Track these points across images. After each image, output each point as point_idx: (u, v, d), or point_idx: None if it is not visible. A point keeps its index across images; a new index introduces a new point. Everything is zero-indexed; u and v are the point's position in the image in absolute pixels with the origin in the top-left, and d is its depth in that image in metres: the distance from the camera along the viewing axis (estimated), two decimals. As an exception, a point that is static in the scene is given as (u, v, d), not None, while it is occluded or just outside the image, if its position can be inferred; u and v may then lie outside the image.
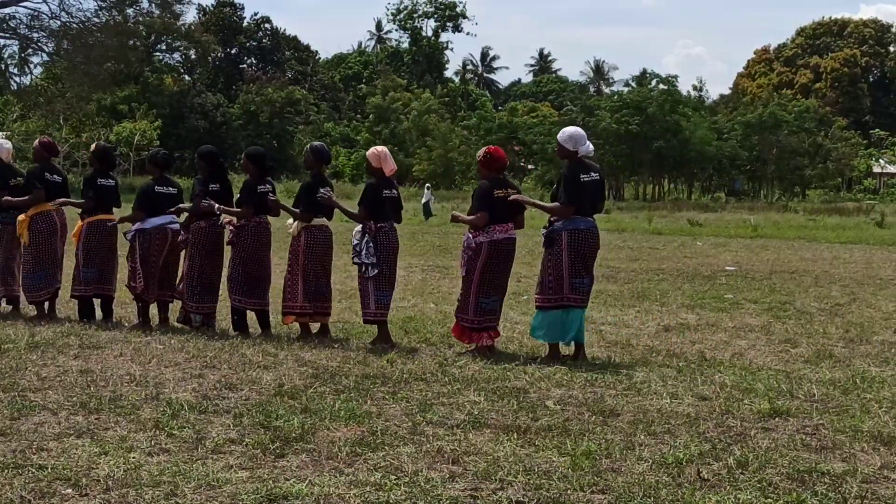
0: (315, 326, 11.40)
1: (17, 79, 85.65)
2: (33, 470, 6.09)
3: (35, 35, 63.91)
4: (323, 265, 11.30)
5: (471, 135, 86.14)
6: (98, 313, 12.13)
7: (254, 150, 11.96)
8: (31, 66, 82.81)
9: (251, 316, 11.60)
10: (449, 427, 7.36)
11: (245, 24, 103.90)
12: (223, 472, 6.16)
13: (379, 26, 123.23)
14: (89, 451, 6.51)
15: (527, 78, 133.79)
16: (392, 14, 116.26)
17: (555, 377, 9.16)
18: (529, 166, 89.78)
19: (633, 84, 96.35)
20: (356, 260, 10.82)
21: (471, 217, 10.40)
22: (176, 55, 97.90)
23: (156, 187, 11.82)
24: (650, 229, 37.85)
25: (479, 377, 9.10)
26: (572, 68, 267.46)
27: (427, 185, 51.10)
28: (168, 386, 8.51)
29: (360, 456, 6.58)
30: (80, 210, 12.15)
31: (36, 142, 12.73)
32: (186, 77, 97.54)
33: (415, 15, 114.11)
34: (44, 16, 61.63)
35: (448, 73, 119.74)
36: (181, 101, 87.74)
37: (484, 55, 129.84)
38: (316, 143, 11.95)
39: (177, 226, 11.86)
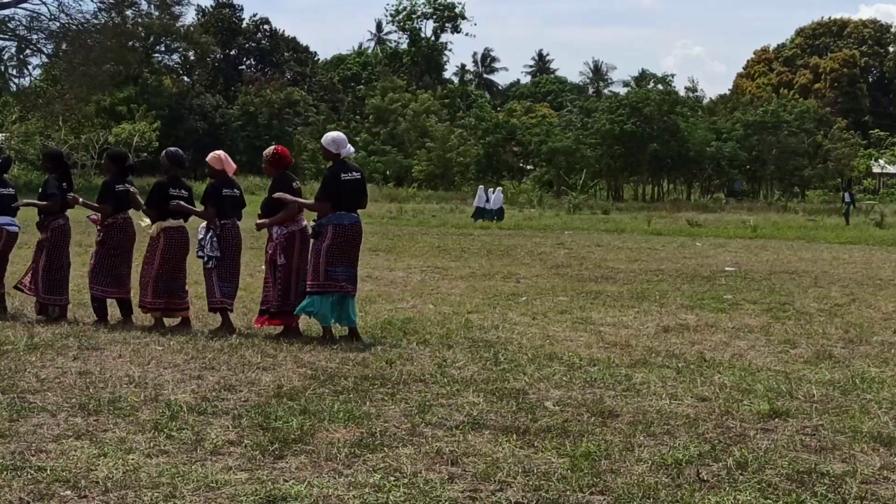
0: (175, 320, 11.99)
1: (16, 80, 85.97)
2: (32, 471, 6.08)
3: (34, 36, 64.04)
4: (178, 264, 11.93)
5: (469, 135, 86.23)
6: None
7: (114, 151, 13.11)
8: (30, 67, 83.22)
9: (106, 303, 12.26)
10: (448, 428, 7.35)
11: (244, 25, 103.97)
12: (222, 473, 6.15)
13: (379, 27, 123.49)
14: (88, 453, 6.50)
15: (526, 79, 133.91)
16: (391, 15, 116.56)
17: (554, 378, 9.16)
18: (528, 167, 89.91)
19: (632, 85, 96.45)
20: (199, 253, 11.67)
21: (273, 218, 11.44)
22: (175, 56, 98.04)
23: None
24: (649, 230, 37.91)
25: (478, 378, 9.10)
26: (571, 69, 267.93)
27: (481, 186, 50.79)
28: (167, 387, 8.50)
29: (359, 457, 6.57)
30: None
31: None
32: (185, 78, 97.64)
33: (414, 16, 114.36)
34: (43, 17, 61.80)
35: (447, 74, 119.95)
36: (180, 103, 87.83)
37: (483, 56, 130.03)
38: (171, 148, 12.63)
39: (15, 228, 12.77)
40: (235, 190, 11.99)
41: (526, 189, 76.08)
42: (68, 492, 5.77)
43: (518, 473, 6.25)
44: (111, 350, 10.16)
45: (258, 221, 11.70)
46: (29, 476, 5.99)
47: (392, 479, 6.12)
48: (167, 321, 11.95)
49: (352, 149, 11.35)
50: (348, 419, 7.49)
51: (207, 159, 12.05)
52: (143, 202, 12.03)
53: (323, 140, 11.44)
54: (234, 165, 12.12)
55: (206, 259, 11.63)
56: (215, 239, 11.58)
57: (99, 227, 12.14)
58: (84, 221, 12.98)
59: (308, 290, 11.06)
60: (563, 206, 59.54)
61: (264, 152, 11.93)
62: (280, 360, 9.82)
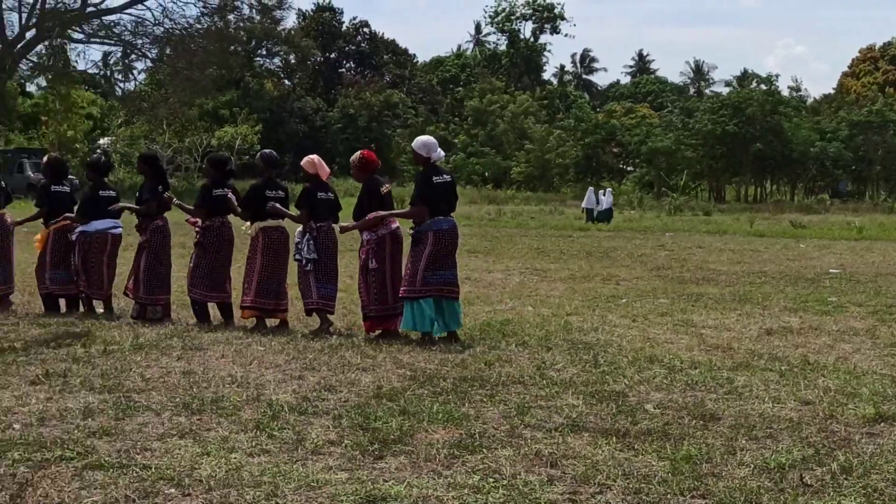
0: (273, 321, 12.21)
1: (121, 85, 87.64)
2: (137, 469, 6.18)
3: (139, 41, 65.04)
4: (279, 264, 12.18)
5: (567, 136, 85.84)
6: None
7: (215, 155, 13.27)
8: (135, 72, 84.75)
9: (207, 306, 12.45)
10: (547, 430, 7.33)
11: (344, 28, 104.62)
12: (323, 473, 6.20)
13: (478, 29, 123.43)
14: (192, 452, 6.59)
15: (625, 79, 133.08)
16: (490, 17, 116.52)
17: (654, 381, 9.09)
18: (628, 168, 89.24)
19: (735, 85, 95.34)
20: (297, 256, 11.82)
21: (356, 223, 11.54)
22: (276, 60, 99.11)
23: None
24: (752, 231, 37.39)
25: (578, 380, 9.05)
26: (671, 69, 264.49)
27: (591, 187, 50.60)
28: (268, 387, 8.58)
29: (459, 458, 6.58)
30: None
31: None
32: (286, 81, 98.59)
33: (513, 17, 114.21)
34: (147, 22, 62.76)
35: (546, 75, 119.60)
36: (281, 106, 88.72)
37: (582, 57, 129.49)
38: (265, 150, 12.85)
39: (118, 230, 13.15)
40: (330, 193, 12.08)
41: (626, 190, 75.52)
42: (172, 490, 5.86)
43: (618, 476, 6.21)
44: (214, 350, 10.29)
45: (342, 224, 11.90)
46: (134, 474, 6.09)
47: (491, 480, 6.12)
48: (268, 322, 12.11)
49: (441, 153, 11.45)
50: (447, 420, 7.50)
51: (302, 163, 12.23)
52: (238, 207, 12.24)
53: (413, 144, 11.52)
54: (328, 170, 12.22)
55: (303, 262, 11.76)
56: (311, 242, 11.73)
57: (197, 230, 12.35)
58: (184, 223, 13.16)
59: (402, 295, 11.12)
60: (664, 208, 58.97)
61: (351, 158, 12.07)
62: (379, 360, 9.86)
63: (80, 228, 12.83)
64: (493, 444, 6.92)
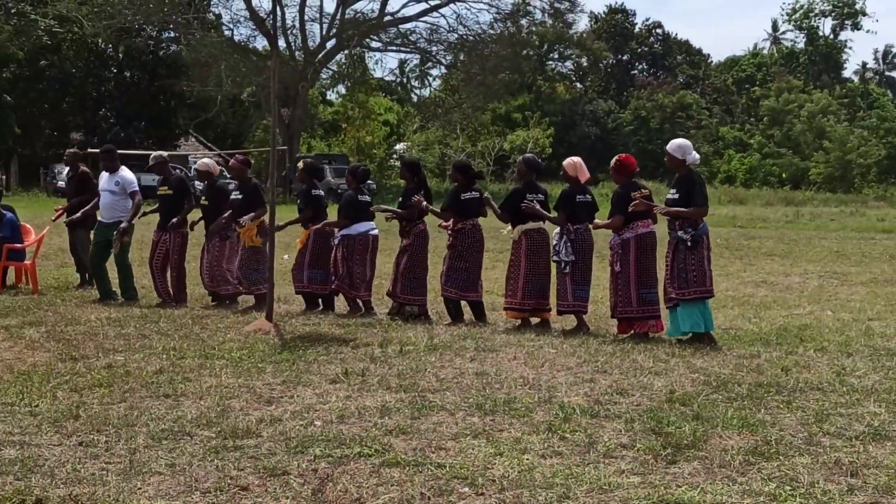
0: (535, 320, 12.44)
1: (417, 91, 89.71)
2: (432, 468, 6.30)
3: (434, 48, 66.39)
4: (541, 265, 12.31)
5: (870, 136, 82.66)
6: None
7: (458, 161, 14.02)
8: (430, 78, 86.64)
9: (460, 304, 12.86)
10: (847, 438, 7.08)
11: (636, 29, 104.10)
12: (615, 476, 6.17)
13: (775, 27, 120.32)
14: (485, 452, 6.67)
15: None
16: (787, 14, 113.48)
17: (964, 390, 8.65)
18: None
19: None
20: (555, 258, 12.07)
21: (607, 221, 11.68)
22: (568, 63, 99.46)
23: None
24: None
25: (880, 388, 8.71)
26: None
27: None
28: (560, 390, 8.61)
29: (754, 465, 6.43)
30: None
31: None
32: (578, 84, 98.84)
33: (811, 14, 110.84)
34: (442, 29, 63.96)
35: (846, 73, 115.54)
36: (573, 109, 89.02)
37: (885, 53, 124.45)
38: (528, 154, 13.24)
39: (376, 231, 13.67)
40: (588, 196, 12.27)
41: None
42: (466, 489, 5.95)
43: (924, 489, 5.94)
44: (506, 352, 10.41)
45: (598, 223, 12.09)
46: (429, 472, 6.22)
47: (788, 488, 5.96)
48: (531, 320, 12.41)
49: (697, 156, 11.35)
50: (742, 426, 7.35)
51: (564, 164, 12.46)
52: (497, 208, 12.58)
53: (669, 147, 11.44)
54: (588, 174, 12.38)
55: (560, 263, 12.01)
56: (569, 244, 11.96)
57: (450, 233, 12.73)
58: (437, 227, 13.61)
59: (696, 296, 11.06)
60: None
61: (611, 161, 12.12)
62: (672, 365, 9.76)
63: (342, 231, 13.40)
64: (790, 451, 6.74)
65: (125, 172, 14.51)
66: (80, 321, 12.16)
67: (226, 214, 13.80)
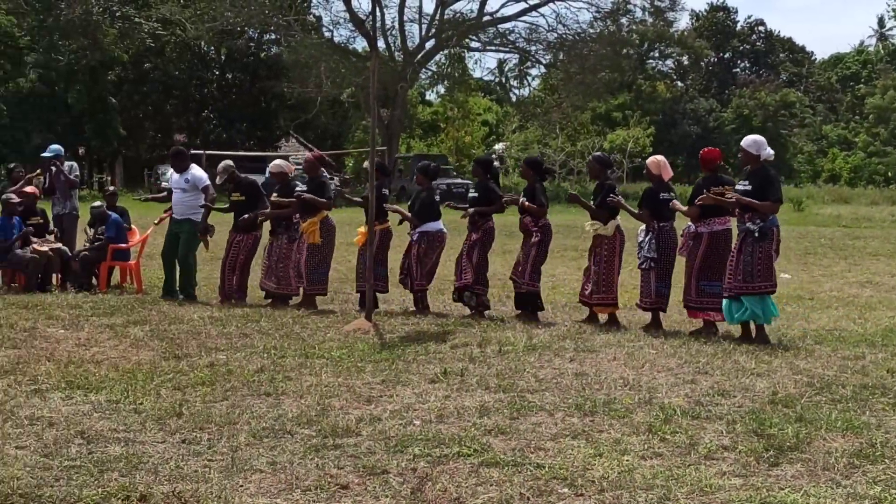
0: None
1: (516, 91, 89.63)
2: (531, 468, 6.29)
3: (533, 48, 66.14)
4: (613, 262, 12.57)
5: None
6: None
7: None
8: (529, 77, 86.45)
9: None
10: (957, 443, 6.94)
11: (738, 27, 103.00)
12: (716, 478, 6.11)
13: (881, 23, 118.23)
14: (584, 452, 6.65)
15: None
16: (893, 10, 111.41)
17: None
18: None
19: None
20: (640, 255, 12.23)
21: (685, 209, 11.89)
22: (668, 62, 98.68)
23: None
24: None
25: None
26: None
27: None
28: (661, 391, 8.56)
29: (859, 468, 6.33)
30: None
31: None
32: (679, 83, 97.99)
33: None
34: (541, 29, 63.69)
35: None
36: (673, 108, 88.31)
37: None
38: (598, 153, 13.83)
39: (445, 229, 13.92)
40: (672, 193, 12.39)
41: None
42: (565, 489, 5.93)
43: None
44: (606, 353, 10.37)
45: (677, 205, 12.12)
46: (528, 472, 6.21)
47: (894, 492, 5.86)
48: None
49: (771, 151, 11.39)
50: (846, 428, 7.24)
51: (647, 162, 12.82)
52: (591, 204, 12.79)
53: (743, 143, 11.54)
54: (671, 172, 12.63)
55: (641, 260, 12.21)
56: (653, 241, 12.13)
57: (535, 228, 12.92)
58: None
59: (760, 291, 11.11)
60: None
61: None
62: (775, 366, 9.64)
63: (419, 229, 13.64)
64: (896, 454, 6.63)
65: (195, 170, 14.75)
66: (183, 320, 12.33)
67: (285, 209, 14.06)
